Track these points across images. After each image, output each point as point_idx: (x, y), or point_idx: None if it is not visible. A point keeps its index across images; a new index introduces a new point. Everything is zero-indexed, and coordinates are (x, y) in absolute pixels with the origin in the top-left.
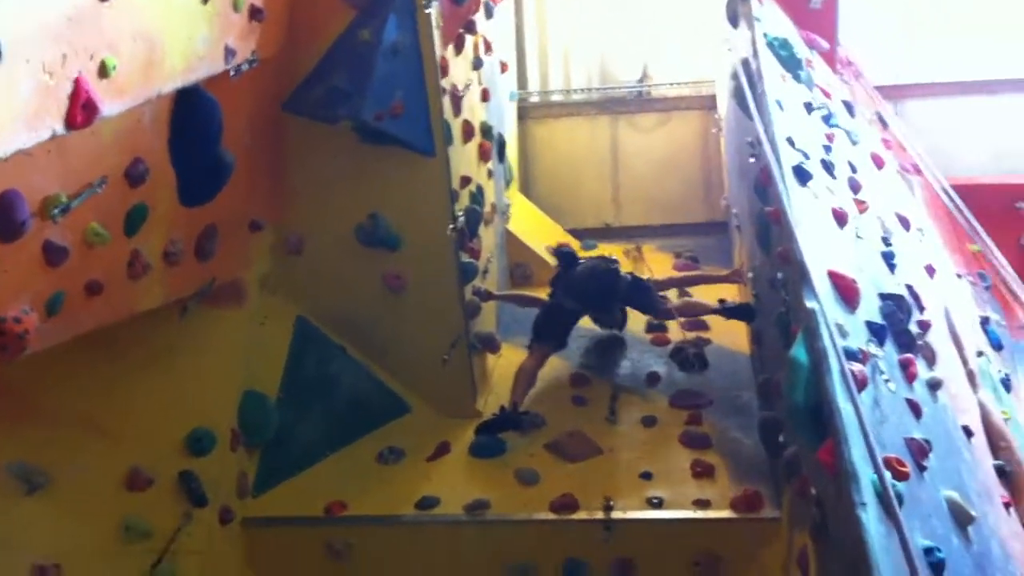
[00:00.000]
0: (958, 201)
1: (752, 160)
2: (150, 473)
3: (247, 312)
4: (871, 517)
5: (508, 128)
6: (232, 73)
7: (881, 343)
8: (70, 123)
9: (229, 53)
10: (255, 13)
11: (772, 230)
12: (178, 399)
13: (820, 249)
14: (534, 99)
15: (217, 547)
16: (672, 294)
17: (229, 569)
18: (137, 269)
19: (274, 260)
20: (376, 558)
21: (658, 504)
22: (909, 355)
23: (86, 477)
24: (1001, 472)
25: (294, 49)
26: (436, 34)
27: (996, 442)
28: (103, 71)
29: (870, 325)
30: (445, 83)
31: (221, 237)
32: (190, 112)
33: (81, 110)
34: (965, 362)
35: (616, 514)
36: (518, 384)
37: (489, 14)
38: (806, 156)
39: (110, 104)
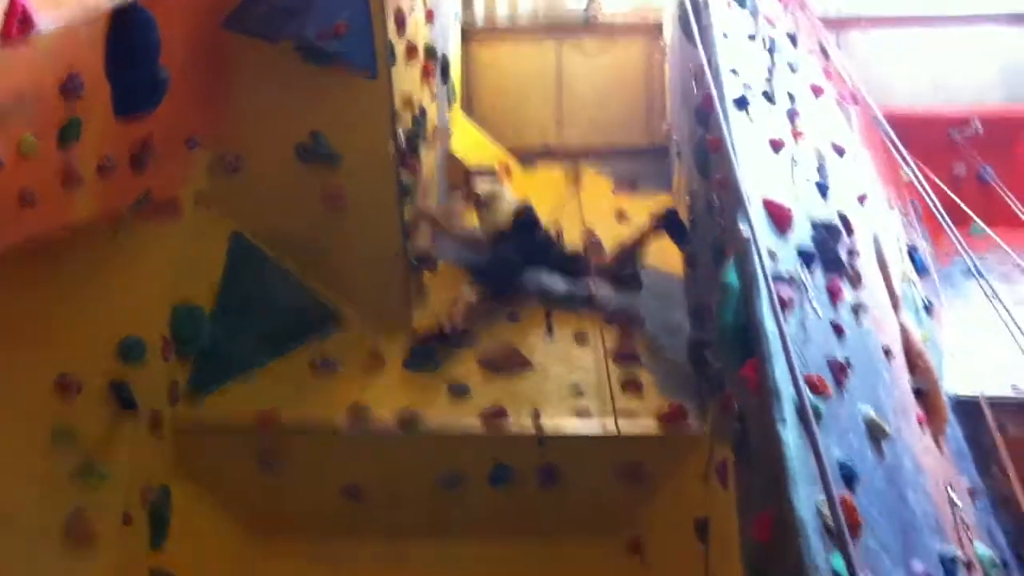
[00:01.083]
0: (889, 130)
1: (694, 87)
2: (80, 379)
3: (181, 227)
4: (790, 432)
5: (452, 49)
6: None
7: (810, 268)
8: (6, 36)
9: None
10: None
11: (711, 157)
12: (110, 309)
13: (756, 177)
14: (480, 23)
15: (146, 451)
16: None
17: (159, 475)
18: (71, 180)
19: (211, 177)
20: (306, 465)
21: (585, 416)
22: (836, 279)
23: (15, 383)
24: (918, 392)
25: None
26: None
27: (914, 362)
28: None
29: (801, 250)
30: (389, 4)
31: (157, 152)
32: (127, 28)
33: (17, 24)
34: (890, 287)
35: (544, 423)
36: (456, 313)
37: None
38: (748, 87)
39: (46, 18)
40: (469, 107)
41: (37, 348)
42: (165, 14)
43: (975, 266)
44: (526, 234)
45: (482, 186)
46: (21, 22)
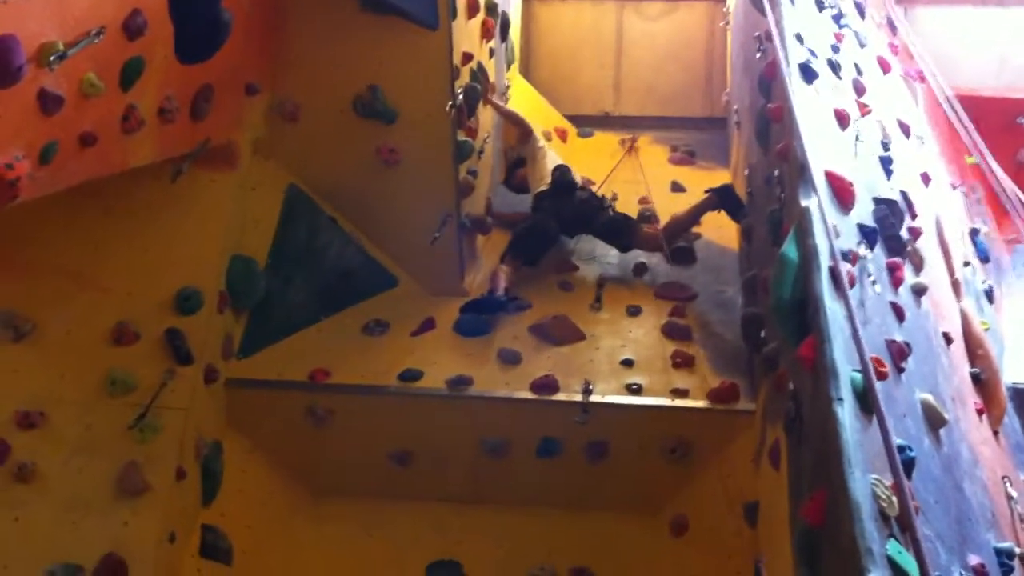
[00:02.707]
0: (960, 112)
1: (759, 55)
2: (136, 328)
3: (239, 176)
4: (847, 413)
5: (513, 6)
6: None
7: (871, 246)
8: None
9: None
10: None
11: (772, 127)
12: (167, 258)
13: (819, 149)
14: None
15: (200, 405)
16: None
17: (211, 427)
18: (131, 123)
19: (268, 125)
20: (355, 426)
21: (636, 390)
22: (897, 259)
23: (73, 329)
24: (976, 379)
25: None
26: None
27: (974, 350)
28: None
29: (862, 227)
30: None
31: (216, 98)
32: None
33: None
34: (951, 271)
35: (594, 397)
36: (495, 279)
37: None
38: (813, 54)
39: None
40: (527, 69)
41: (95, 294)
42: None
43: None
44: (564, 195)
45: (525, 147)
46: None
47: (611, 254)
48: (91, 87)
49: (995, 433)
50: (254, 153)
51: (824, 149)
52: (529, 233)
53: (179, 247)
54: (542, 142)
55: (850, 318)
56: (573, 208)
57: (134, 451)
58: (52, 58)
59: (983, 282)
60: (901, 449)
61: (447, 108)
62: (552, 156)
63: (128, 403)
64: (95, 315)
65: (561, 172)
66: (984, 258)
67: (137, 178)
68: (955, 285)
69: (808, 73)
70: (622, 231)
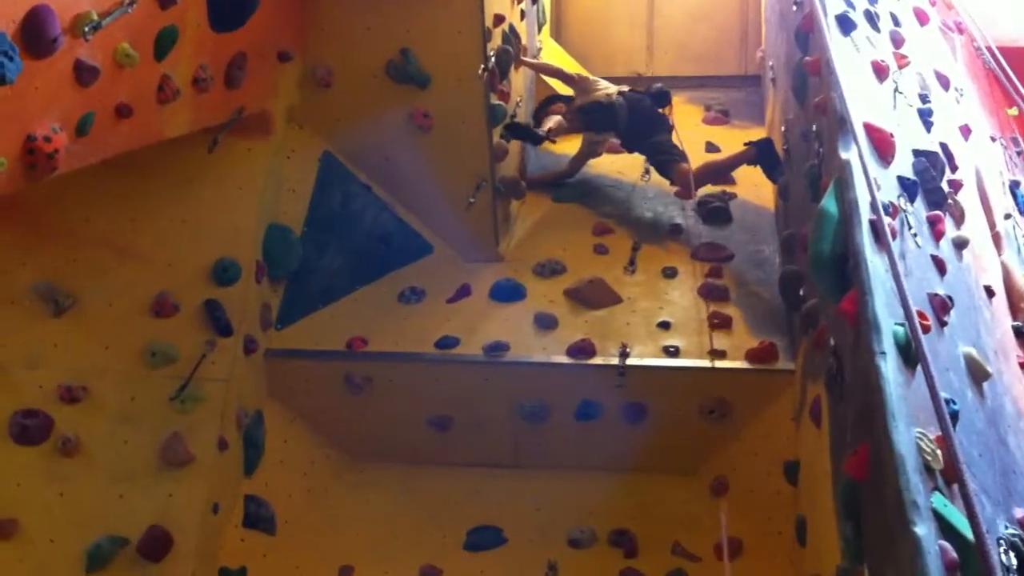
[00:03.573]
0: (1003, 62)
1: (795, 8)
2: (176, 300)
3: (273, 144)
4: (890, 366)
5: None
6: None
7: (912, 199)
8: None
9: None
10: None
11: (810, 81)
12: (204, 228)
13: (858, 101)
14: None
15: (240, 376)
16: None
17: (251, 398)
18: (167, 93)
19: (302, 92)
20: (394, 393)
21: (674, 353)
22: (938, 212)
23: (113, 301)
24: (1019, 333)
25: None
26: None
27: (1016, 303)
28: None
29: (902, 180)
30: None
31: (250, 66)
32: None
33: None
34: (992, 224)
35: (631, 361)
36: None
37: None
38: (851, 5)
39: None
40: (558, 31)
41: (133, 265)
42: None
43: None
44: (654, 103)
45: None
46: None
47: (646, 216)
48: (126, 57)
49: None
50: (288, 121)
51: (863, 102)
52: (600, 107)
53: (216, 217)
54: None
55: (893, 272)
56: (645, 115)
57: (176, 422)
58: (87, 28)
59: None
60: (945, 403)
61: (480, 71)
62: (605, 84)
63: (170, 375)
64: (135, 287)
65: (659, 86)
66: None
67: (174, 148)
68: (996, 238)
69: (846, 24)
70: (669, 155)
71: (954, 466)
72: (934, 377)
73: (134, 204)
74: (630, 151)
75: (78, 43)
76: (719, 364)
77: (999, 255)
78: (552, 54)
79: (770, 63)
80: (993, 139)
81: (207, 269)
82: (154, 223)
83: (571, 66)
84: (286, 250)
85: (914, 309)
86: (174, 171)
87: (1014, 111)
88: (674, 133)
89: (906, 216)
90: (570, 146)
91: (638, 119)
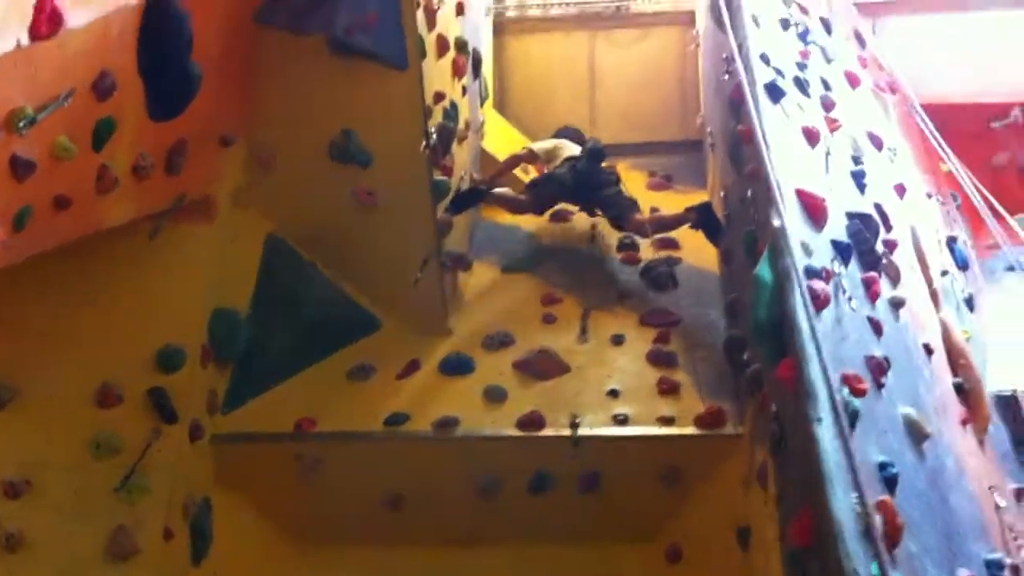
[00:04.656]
0: (927, 121)
1: (726, 77)
2: (120, 388)
3: (217, 228)
4: (826, 433)
5: (484, 42)
6: None
7: (846, 262)
8: (35, 34)
9: None
10: None
11: (744, 148)
12: (148, 315)
13: (789, 167)
14: (511, 13)
15: (187, 463)
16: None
17: (199, 485)
18: (106, 183)
19: (245, 175)
20: (345, 473)
21: (624, 421)
22: (873, 274)
23: (56, 392)
24: (959, 389)
25: None
26: None
27: (955, 360)
28: None
29: (836, 244)
30: None
31: (191, 151)
32: (159, 24)
33: (46, 20)
34: (929, 281)
35: (582, 431)
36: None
37: None
38: (780, 74)
39: (75, 14)
40: (502, 103)
41: (76, 356)
42: (197, 8)
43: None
44: (594, 161)
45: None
46: (50, 19)
47: (594, 283)
48: (63, 150)
49: (980, 443)
50: (232, 204)
51: (794, 168)
52: (548, 178)
53: (160, 303)
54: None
55: (813, 338)
56: (593, 173)
57: (123, 513)
58: (22, 123)
59: (963, 290)
60: (884, 466)
61: (421, 148)
62: (569, 145)
63: (115, 465)
64: (78, 377)
65: (594, 141)
66: (963, 266)
67: (115, 236)
68: (934, 295)
69: (775, 93)
70: (623, 208)
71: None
72: (855, 443)
73: (75, 292)
74: (587, 212)
75: (13, 138)
76: (668, 431)
77: (937, 312)
78: (496, 126)
79: (709, 129)
80: (929, 196)
81: (151, 356)
82: (96, 311)
83: (516, 138)
84: (232, 333)
85: (838, 375)
86: (116, 258)
87: (947, 167)
88: (622, 184)
89: (840, 280)
90: (518, 219)
91: (584, 179)
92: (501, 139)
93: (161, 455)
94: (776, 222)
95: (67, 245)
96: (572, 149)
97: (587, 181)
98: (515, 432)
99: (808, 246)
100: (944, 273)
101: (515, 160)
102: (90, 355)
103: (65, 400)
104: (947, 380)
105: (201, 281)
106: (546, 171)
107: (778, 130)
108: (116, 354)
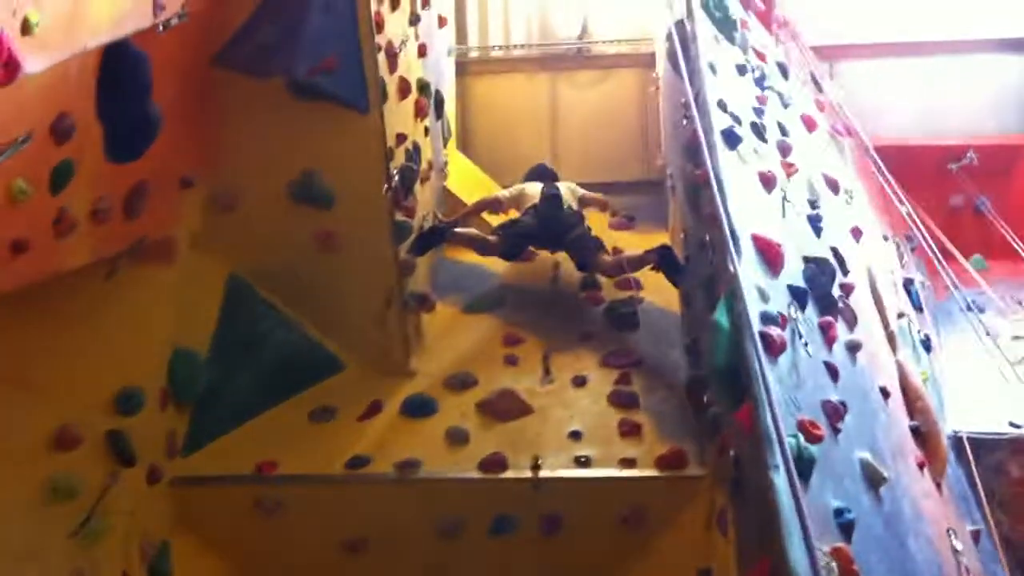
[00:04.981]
0: (880, 164)
1: (684, 122)
2: (78, 432)
3: (177, 270)
4: (783, 479)
5: (446, 83)
6: (160, 28)
7: (803, 306)
8: None
9: (158, 7)
10: None
11: (701, 192)
12: (107, 358)
13: (746, 213)
14: (473, 54)
15: (146, 506)
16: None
17: (158, 528)
18: (64, 227)
19: (205, 217)
20: (306, 516)
21: (585, 463)
22: (829, 318)
23: (12, 435)
24: (916, 432)
25: (226, 3)
26: None
27: (912, 402)
28: (26, 27)
29: (792, 289)
30: (380, 39)
31: (151, 194)
32: (118, 67)
33: (3, 67)
34: (886, 324)
35: (544, 473)
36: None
37: None
38: (736, 120)
39: (33, 60)
40: (465, 143)
41: (34, 399)
42: (156, 51)
43: (968, 302)
44: (551, 206)
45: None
46: (6, 65)
47: (556, 324)
48: (20, 193)
49: (938, 485)
50: (192, 245)
51: (751, 213)
52: (514, 224)
53: (119, 345)
54: (507, 191)
55: (764, 382)
56: (554, 218)
57: (80, 558)
58: None
59: (919, 332)
60: (840, 512)
61: (383, 190)
62: (533, 189)
63: (72, 509)
64: (35, 421)
65: (550, 186)
66: (920, 307)
67: (73, 278)
68: (891, 338)
69: (732, 139)
70: (589, 250)
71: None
72: (810, 489)
73: (32, 335)
74: (553, 252)
75: None
76: (629, 473)
77: (894, 355)
78: (459, 167)
79: (669, 171)
80: (886, 238)
81: (110, 398)
82: (55, 355)
83: (479, 178)
84: (192, 375)
85: (794, 420)
86: (74, 301)
87: (907, 207)
88: (586, 224)
89: (797, 325)
90: (480, 258)
91: (549, 223)
92: (465, 179)
93: (119, 499)
94: (732, 267)
95: (25, 287)
96: (537, 194)
97: (551, 225)
98: (477, 474)
99: (764, 291)
100: (901, 315)
101: (481, 205)
102: (48, 397)
103: (22, 443)
104: (904, 423)
105: (161, 323)
106: (513, 216)
107: (735, 175)
108: (74, 396)
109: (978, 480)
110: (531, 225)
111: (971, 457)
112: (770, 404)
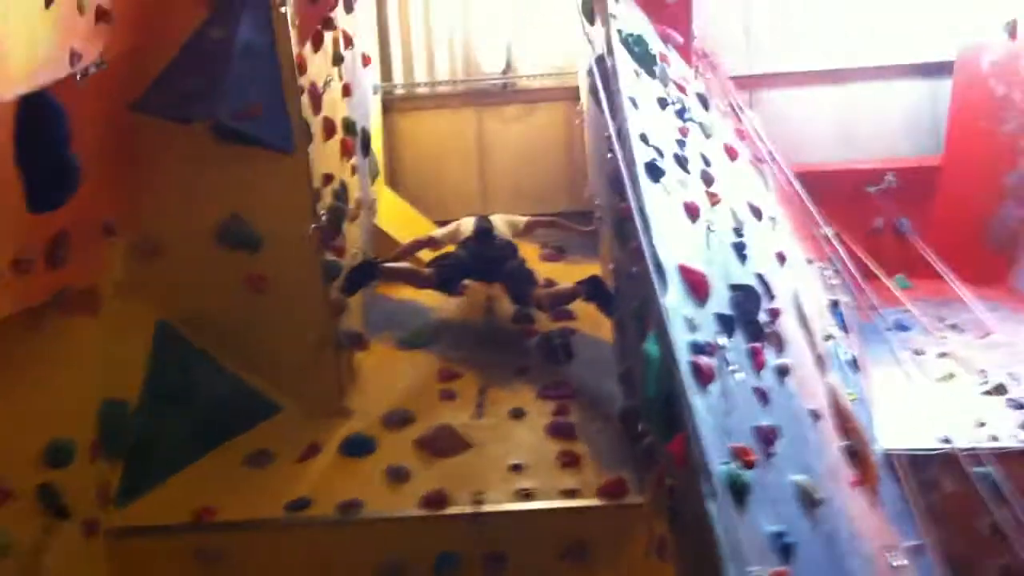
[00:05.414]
0: (798, 187)
1: (609, 155)
2: (7, 486)
3: (103, 319)
4: (719, 507)
5: (373, 121)
6: (78, 77)
7: (730, 334)
8: None
9: (75, 56)
10: (102, 15)
11: (627, 225)
12: (33, 411)
13: (672, 244)
14: (399, 91)
15: (82, 560)
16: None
17: None
18: None
19: (130, 265)
20: (248, 563)
21: (527, 495)
22: (757, 344)
23: None
24: (849, 452)
25: (145, 50)
26: (292, 32)
27: (844, 423)
28: None
29: (720, 317)
30: (303, 81)
31: (73, 243)
32: (34, 118)
33: None
34: (814, 346)
35: (486, 507)
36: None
37: (349, 8)
38: (659, 152)
39: None
40: (393, 179)
41: None
42: (74, 100)
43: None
44: (483, 240)
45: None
46: None
47: (491, 358)
48: None
49: (872, 503)
50: (118, 293)
51: (677, 243)
52: (448, 257)
53: (46, 398)
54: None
55: (690, 415)
56: (489, 251)
57: None
58: None
59: (846, 352)
60: (778, 535)
61: (309, 231)
62: (468, 223)
63: (6, 566)
64: None
65: (481, 220)
66: (846, 328)
67: None
68: (819, 360)
69: (654, 172)
70: (523, 282)
71: None
72: (745, 516)
73: None
74: (488, 284)
75: None
76: (570, 503)
77: (824, 376)
78: (389, 203)
79: (597, 202)
80: (810, 261)
81: (39, 452)
82: None
83: (409, 213)
84: (122, 425)
85: (726, 447)
86: None
87: (828, 231)
88: (519, 255)
89: (725, 352)
90: (414, 294)
91: (482, 255)
92: (395, 215)
93: (55, 553)
94: (660, 299)
95: None
96: (470, 228)
97: (484, 257)
98: (419, 512)
99: (693, 321)
100: (828, 337)
101: (416, 244)
102: None
103: None
104: (835, 444)
105: (88, 373)
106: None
107: (660, 207)
108: (2, 451)
109: (913, 496)
110: (465, 258)
111: (905, 474)
112: (697, 434)
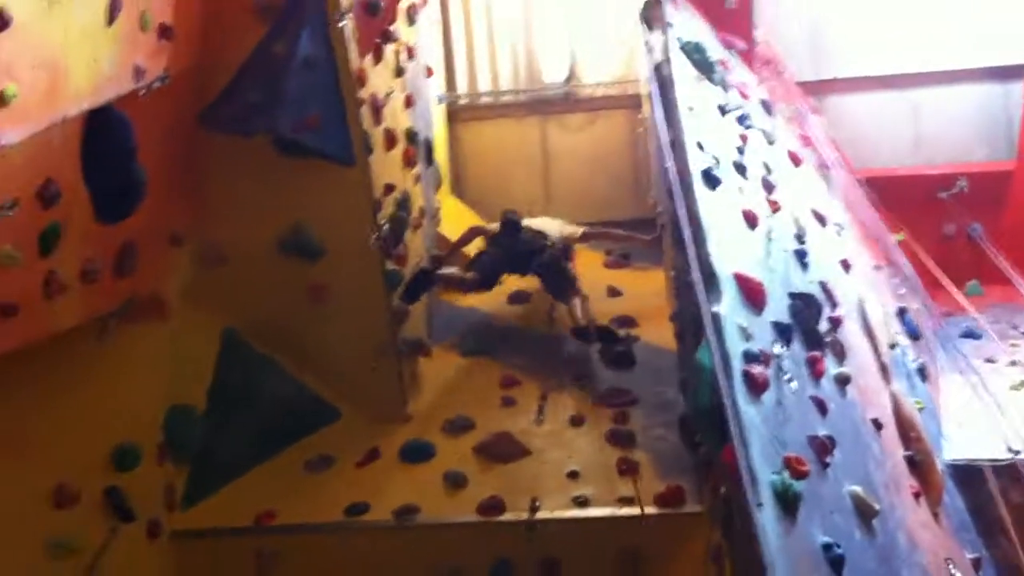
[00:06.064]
0: (871, 194)
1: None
2: (76, 489)
3: (170, 326)
4: (768, 517)
5: (437, 130)
6: (142, 92)
7: (788, 342)
8: None
9: (138, 72)
10: (164, 32)
11: (684, 232)
12: (102, 415)
13: (728, 252)
14: (463, 101)
15: (146, 561)
16: None
17: None
18: (54, 289)
19: (196, 273)
20: (306, 566)
21: (583, 503)
22: (816, 353)
23: (11, 495)
24: (912, 462)
25: (208, 64)
26: (352, 46)
27: (907, 433)
28: (2, 100)
29: (777, 325)
30: (363, 93)
31: (140, 253)
32: (102, 132)
33: None
34: (878, 355)
35: (542, 514)
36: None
37: (412, 20)
38: (716, 160)
39: (11, 132)
40: (458, 187)
41: (31, 459)
42: (140, 114)
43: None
44: (510, 233)
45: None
46: None
47: (552, 364)
48: (8, 258)
49: (935, 515)
50: (184, 301)
51: (734, 252)
52: (481, 254)
53: (114, 403)
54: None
55: (739, 425)
56: (516, 242)
57: None
58: None
59: (914, 360)
60: (828, 547)
61: (371, 242)
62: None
63: (73, 566)
64: (32, 479)
65: (507, 213)
66: (915, 336)
67: (66, 338)
68: (884, 368)
69: (711, 179)
70: (557, 274)
71: None
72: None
73: (28, 394)
74: (523, 277)
75: None
76: (627, 511)
77: (887, 385)
78: (453, 211)
79: (659, 208)
80: (878, 268)
81: (107, 456)
82: (49, 413)
83: (473, 220)
84: (188, 430)
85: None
86: (68, 360)
87: (900, 236)
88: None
89: (780, 361)
90: (476, 300)
91: (511, 247)
92: (458, 222)
93: (119, 555)
94: (714, 307)
95: (17, 350)
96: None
97: (515, 248)
98: (475, 518)
99: (747, 330)
100: (893, 345)
101: (468, 235)
102: (45, 456)
103: (20, 503)
104: (898, 454)
105: (155, 379)
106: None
107: (716, 215)
108: (71, 455)
109: (978, 508)
110: (496, 253)
111: (970, 485)
112: (745, 442)
